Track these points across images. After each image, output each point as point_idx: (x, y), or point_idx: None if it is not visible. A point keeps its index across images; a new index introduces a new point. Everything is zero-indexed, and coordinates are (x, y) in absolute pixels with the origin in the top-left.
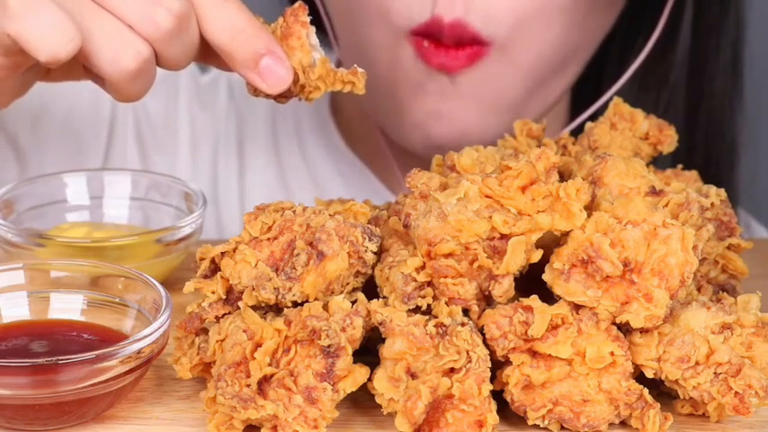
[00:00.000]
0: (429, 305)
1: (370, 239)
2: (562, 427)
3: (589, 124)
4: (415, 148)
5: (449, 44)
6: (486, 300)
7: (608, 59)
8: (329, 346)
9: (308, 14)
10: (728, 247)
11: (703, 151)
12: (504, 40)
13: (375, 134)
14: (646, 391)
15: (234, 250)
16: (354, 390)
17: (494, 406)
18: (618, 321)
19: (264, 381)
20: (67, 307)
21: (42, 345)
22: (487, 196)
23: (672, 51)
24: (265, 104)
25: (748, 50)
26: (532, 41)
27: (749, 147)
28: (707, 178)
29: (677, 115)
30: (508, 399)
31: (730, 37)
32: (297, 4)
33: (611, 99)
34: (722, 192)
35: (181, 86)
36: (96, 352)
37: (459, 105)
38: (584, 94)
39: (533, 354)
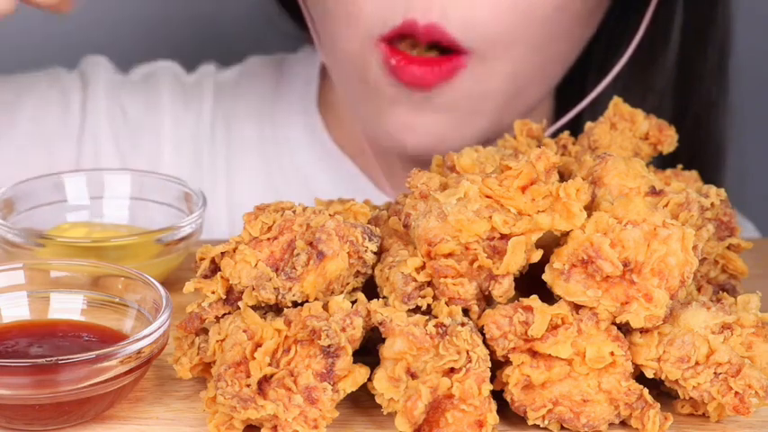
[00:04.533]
0: (429, 305)
1: (370, 239)
2: (562, 427)
3: (589, 124)
4: (394, 154)
5: (421, 59)
6: (486, 300)
7: (593, 59)
8: (329, 346)
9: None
10: (728, 247)
11: (688, 154)
12: (484, 49)
13: (361, 136)
14: (646, 391)
15: (234, 250)
16: (354, 390)
17: (494, 406)
18: (618, 321)
19: (264, 381)
20: (67, 307)
21: (42, 345)
22: (487, 196)
23: (663, 56)
24: (253, 105)
25: (734, 54)
26: (512, 53)
27: (736, 149)
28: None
29: (662, 119)
30: (508, 399)
31: (717, 42)
32: None
33: (594, 101)
34: (722, 192)
35: (163, 88)
36: (96, 352)
37: (433, 119)
38: (570, 91)
39: (533, 354)
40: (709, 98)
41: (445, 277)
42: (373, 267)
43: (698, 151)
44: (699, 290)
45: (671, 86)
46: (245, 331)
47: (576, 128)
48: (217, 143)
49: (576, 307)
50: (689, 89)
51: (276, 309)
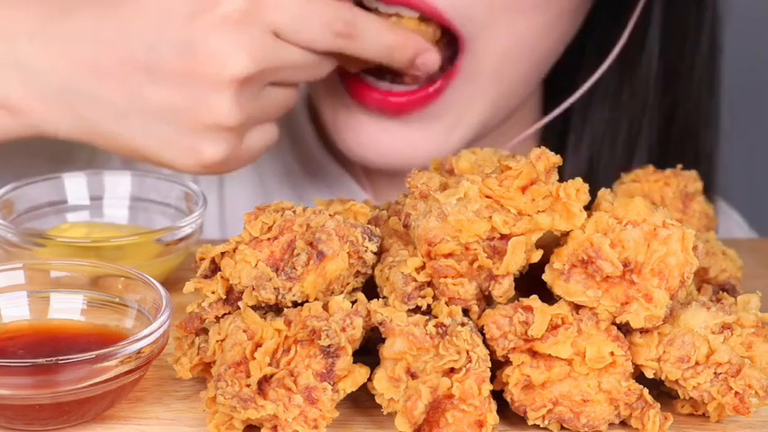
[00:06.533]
0: (429, 305)
1: (370, 239)
2: (562, 427)
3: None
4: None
5: (392, 93)
6: (486, 300)
7: (585, 54)
8: (329, 346)
9: None
10: None
11: (678, 150)
12: (475, 33)
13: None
14: (646, 391)
15: (234, 250)
16: (354, 390)
17: (494, 406)
18: (618, 321)
19: (264, 381)
20: (67, 307)
21: (42, 345)
22: (487, 196)
23: (640, 54)
24: None
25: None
26: (500, 41)
27: (724, 140)
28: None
29: (652, 115)
30: (508, 399)
31: (707, 38)
32: None
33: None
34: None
35: None
36: (96, 352)
37: (404, 134)
38: (558, 82)
39: (533, 354)
40: (699, 93)
41: (445, 277)
42: (373, 267)
43: (687, 143)
44: (699, 290)
45: (659, 82)
46: (245, 331)
47: (567, 121)
48: None
49: (576, 307)
50: (677, 86)
51: (276, 309)
